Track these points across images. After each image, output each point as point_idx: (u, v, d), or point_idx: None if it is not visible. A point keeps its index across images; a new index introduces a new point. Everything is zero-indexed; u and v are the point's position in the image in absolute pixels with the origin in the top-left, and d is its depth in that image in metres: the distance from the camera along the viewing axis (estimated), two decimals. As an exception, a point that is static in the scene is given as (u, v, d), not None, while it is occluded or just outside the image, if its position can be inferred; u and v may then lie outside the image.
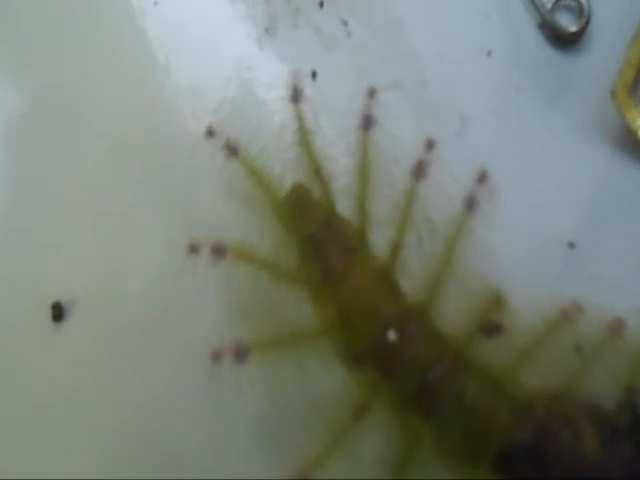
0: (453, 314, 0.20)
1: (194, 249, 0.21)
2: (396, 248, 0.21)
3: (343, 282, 0.20)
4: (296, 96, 0.22)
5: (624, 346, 0.20)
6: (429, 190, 0.21)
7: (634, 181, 0.25)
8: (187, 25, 0.28)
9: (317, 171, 0.21)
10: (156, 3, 0.28)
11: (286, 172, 0.22)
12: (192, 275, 0.21)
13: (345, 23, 0.27)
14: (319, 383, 0.20)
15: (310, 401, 0.21)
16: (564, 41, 0.26)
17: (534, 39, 0.26)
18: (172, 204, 0.26)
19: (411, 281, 0.21)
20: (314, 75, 0.26)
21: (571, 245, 0.24)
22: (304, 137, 0.22)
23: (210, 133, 0.22)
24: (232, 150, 0.22)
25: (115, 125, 0.27)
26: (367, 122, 0.21)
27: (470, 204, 0.20)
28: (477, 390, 0.19)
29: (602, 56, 0.25)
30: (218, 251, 0.21)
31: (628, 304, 0.21)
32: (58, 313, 0.25)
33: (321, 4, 0.27)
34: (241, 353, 0.20)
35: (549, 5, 0.26)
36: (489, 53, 0.26)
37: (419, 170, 0.21)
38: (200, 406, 0.24)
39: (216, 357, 0.20)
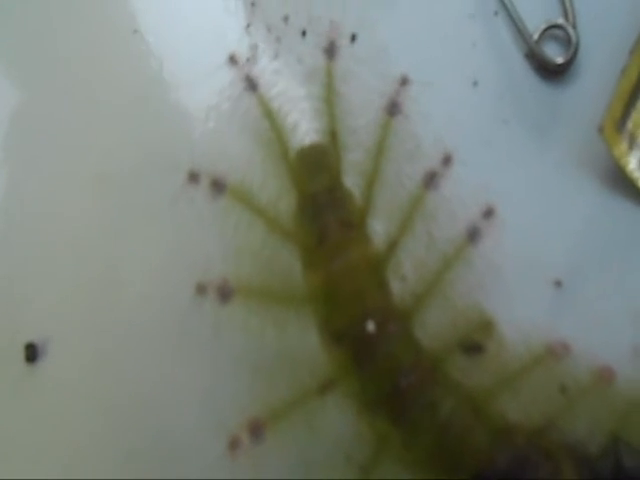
0: (436, 330, 0.20)
1: (194, 178, 0.20)
2: (393, 245, 0.20)
3: (337, 255, 0.20)
4: (330, 50, 0.21)
5: (611, 392, 0.19)
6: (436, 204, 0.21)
7: (622, 217, 0.24)
8: (167, 54, 0.27)
9: (333, 134, 0.21)
10: (135, 31, 0.28)
11: (301, 123, 0.21)
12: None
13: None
14: (295, 342, 0.20)
15: (283, 357, 0.20)
16: (551, 72, 0.25)
17: (521, 69, 0.26)
18: (151, 238, 0.26)
19: (400, 285, 0.20)
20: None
21: (558, 284, 0.23)
22: (329, 95, 0.21)
23: (232, 60, 0.22)
24: (252, 84, 0.21)
25: (92, 156, 0.27)
26: (392, 108, 0.21)
27: (472, 235, 0.20)
28: (454, 407, 0.18)
29: (590, 87, 0.25)
30: (217, 186, 0.20)
31: (615, 345, 0.21)
32: (32, 354, 0.24)
33: (303, 33, 0.26)
34: (225, 293, 0.19)
35: (536, 35, 0.25)
36: (475, 84, 0.26)
37: (430, 180, 0.21)
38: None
39: (201, 290, 0.20)
